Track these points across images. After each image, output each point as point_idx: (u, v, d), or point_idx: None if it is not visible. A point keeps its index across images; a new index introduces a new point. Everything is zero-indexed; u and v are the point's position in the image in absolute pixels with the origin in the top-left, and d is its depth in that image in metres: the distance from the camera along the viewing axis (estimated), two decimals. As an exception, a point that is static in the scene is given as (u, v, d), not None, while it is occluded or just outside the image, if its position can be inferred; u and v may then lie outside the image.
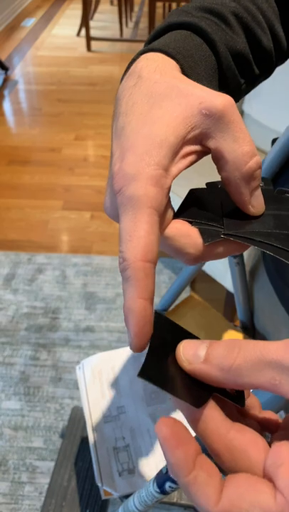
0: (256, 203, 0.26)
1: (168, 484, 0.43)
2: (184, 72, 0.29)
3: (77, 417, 1.10)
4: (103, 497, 0.52)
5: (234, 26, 0.34)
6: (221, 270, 1.38)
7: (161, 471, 0.44)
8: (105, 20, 4.57)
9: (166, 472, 0.43)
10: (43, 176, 2.37)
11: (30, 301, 1.68)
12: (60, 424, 1.31)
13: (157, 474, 0.45)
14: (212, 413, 0.21)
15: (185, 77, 0.27)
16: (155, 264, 0.22)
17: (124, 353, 0.69)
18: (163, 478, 0.43)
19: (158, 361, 0.21)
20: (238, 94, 0.37)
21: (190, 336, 0.24)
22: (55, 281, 1.76)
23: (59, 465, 1.01)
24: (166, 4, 4.46)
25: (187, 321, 0.70)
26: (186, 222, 0.26)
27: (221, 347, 0.20)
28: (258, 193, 0.26)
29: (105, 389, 0.63)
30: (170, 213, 0.25)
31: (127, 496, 0.52)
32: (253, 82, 0.38)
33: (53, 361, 1.47)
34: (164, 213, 0.24)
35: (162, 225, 0.24)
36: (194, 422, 0.21)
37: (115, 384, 0.64)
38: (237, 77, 0.35)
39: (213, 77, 0.32)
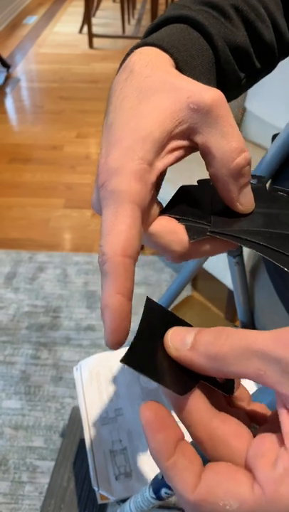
0: (244, 201, 0.25)
1: (164, 490, 0.42)
2: (179, 66, 0.29)
3: (77, 416, 1.09)
4: (99, 501, 0.51)
5: (234, 19, 0.33)
6: (222, 268, 1.37)
7: (156, 476, 0.43)
8: (107, 17, 4.55)
9: (162, 478, 0.42)
10: (45, 174, 2.36)
11: (31, 299, 1.67)
12: (60, 423, 1.31)
13: (153, 480, 0.44)
14: (196, 402, 0.20)
15: (177, 72, 0.26)
16: (135, 259, 0.22)
17: (122, 353, 0.67)
18: (159, 484, 0.43)
19: (144, 347, 0.21)
20: (238, 89, 0.36)
21: (181, 322, 0.23)
22: (56, 280, 1.75)
23: (59, 465, 1.00)
24: (169, 0, 4.43)
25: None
26: (173, 219, 0.25)
27: (209, 334, 0.20)
28: (247, 190, 0.25)
29: (103, 390, 0.62)
30: (156, 209, 0.25)
31: (123, 501, 0.51)
32: (255, 76, 0.37)
33: (53, 360, 1.47)
34: (148, 209, 0.23)
35: (147, 220, 0.24)
36: (178, 410, 0.21)
37: (113, 385, 0.63)
38: (236, 72, 0.34)
39: (210, 72, 0.31)
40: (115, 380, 0.63)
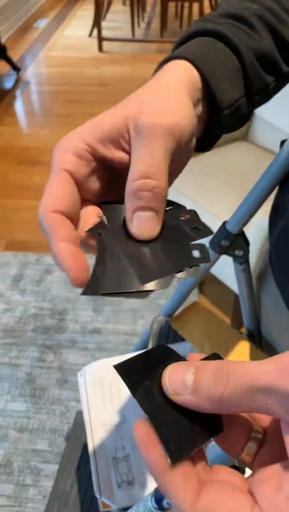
0: (136, 224, 0.26)
1: (166, 501, 0.41)
2: (204, 76, 0.30)
3: (82, 420, 1.09)
4: (101, 509, 0.51)
5: (258, 28, 0.34)
6: (229, 274, 1.36)
7: (158, 487, 0.43)
8: (117, 20, 4.56)
9: (164, 488, 0.42)
10: (53, 176, 2.37)
11: (37, 302, 1.67)
12: (65, 426, 1.31)
13: (155, 490, 0.43)
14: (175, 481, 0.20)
15: (171, 89, 0.28)
16: (67, 214, 0.25)
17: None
18: (161, 494, 0.42)
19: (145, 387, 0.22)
20: (267, 93, 0.36)
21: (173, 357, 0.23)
22: (62, 283, 1.75)
23: (62, 469, 0.99)
24: (179, 4, 4.44)
25: (191, 328, 0.68)
26: (95, 210, 0.28)
27: (209, 376, 0.19)
28: (142, 215, 0.26)
29: (106, 397, 0.61)
30: (96, 185, 0.27)
31: (125, 509, 0.51)
32: (283, 79, 0.38)
33: (59, 363, 1.47)
34: (85, 182, 0.27)
35: (87, 192, 0.27)
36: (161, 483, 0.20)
37: (117, 392, 0.62)
38: (264, 77, 0.35)
39: (236, 79, 0.32)
40: (119, 386, 0.63)
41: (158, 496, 0.43)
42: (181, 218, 0.28)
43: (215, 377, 0.19)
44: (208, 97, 0.31)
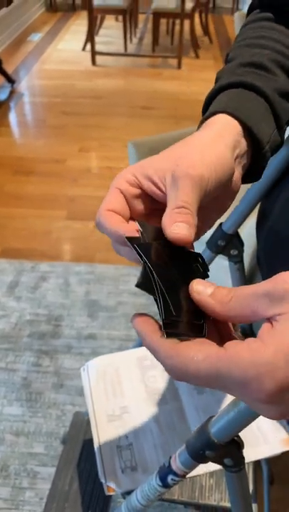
0: (175, 229, 0.30)
1: (170, 477, 0.45)
2: (243, 123, 0.36)
3: (78, 422, 1.11)
4: (107, 493, 0.54)
5: (274, 71, 0.40)
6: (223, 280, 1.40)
7: (164, 464, 0.46)
8: (110, 35, 4.67)
9: (169, 465, 0.45)
10: (47, 186, 2.41)
11: (33, 308, 1.70)
12: (61, 430, 1.32)
13: (160, 468, 0.47)
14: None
15: (210, 143, 0.34)
16: (119, 214, 0.32)
17: (128, 355, 0.71)
18: (165, 471, 0.45)
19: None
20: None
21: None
22: (58, 289, 1.78)
23: (60, 469, 1.02)
24: (170, 21, 4.57)
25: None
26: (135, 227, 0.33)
27: (224, 289, 0.26)
28: (179, 224, 0.30)
29: (109, 390, 0.65)
30: (139, 206, 0.34)
31: (129, 493, 0.54)
32: None
33: (55, 368, 1.49)
34: (131, 201, 0.33)
35: (132, 210, 0.34)
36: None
37: (119, 385, 0.65)
38: (287, 109, 0.41)
39: (268, 118, 0.38)
40: (121, 380, 0.66)
41: (162, 474, 0.46)
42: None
43: (228, 290, 0.26)
44: (250, 138, 0.36)
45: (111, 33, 4.74)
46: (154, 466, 0.55)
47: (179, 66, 3.98)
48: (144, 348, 0.72)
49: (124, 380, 0.66)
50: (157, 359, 0.26)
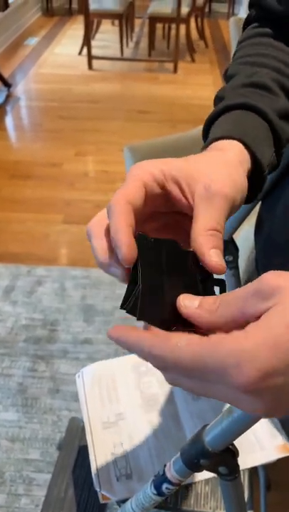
0: (216, 258, 0.29)
1: (165, 486, 0.45)
2: (247, 145, 0.36)
3: (74, 427, 1.11)
4: (101, 501, 0.53)
5: (274, 89, 0.41)
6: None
7: (158, 472, 0.46)
8: (106, 39, 4.68)
9: (164, 474, 0.45)
10: (44, 190, 2.41)
11: (29, 313, 1.69)
12: (57, 436, 1.32)
13: (155, 476, 0.46)
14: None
15: (233, 166, 0.34)
16: (134, 206, 0.29)
17: (123, 362, 0.70)
18: (160, 479, 0.45)
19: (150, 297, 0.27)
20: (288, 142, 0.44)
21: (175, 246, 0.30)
22: (54, 294, 1.77)
23: (56, 476, 1.01)
24: (166, 25, 4.59)
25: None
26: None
27: (210, 299, 0.26)
28: (217, 252, 0.30)
29: (104, 396, 0.64)
30: (156, 203, 0.32)
31: (124, 501, 0.54)
32: None
33: (51, 373, 1.48)
34: (150, 196, 0.31)
35: (149, 206, 0.31)
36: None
37: (114, 391, 0.65)
38: (287, 131, 0.41)
39: (269, 141, 0.39)
40: (116, 386, 0.66)
41: (157, 482, 0.46)
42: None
43: (214, 298, 0.26)
44: (253, 161, 0.37)
45: (107, 37, 4.75)
46: (149, 473, 0.55)
47: (175, 70, 4.00)
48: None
49: (119, 386, 0.66)
50: (140, 353, 0.25)
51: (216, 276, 0.31)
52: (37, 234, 2.09)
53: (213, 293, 0.30)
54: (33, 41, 4.64)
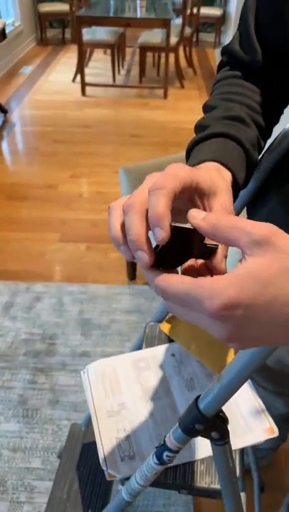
0: None
1: (165, 454, 0.51)
2: (228, 167, 0.46)
3: (75, 433, 1.15)
4: (108, 479, 0.59)
5: (248, 122, 0.51)
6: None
7: (159, 443, 0.52)
8: (99, 67, 4.87)
9: (164, 444, 0.51)
10: (40, 210, 2.49)
11: (28, 327, 1.75)
12: (57, 444, 1.36)
13: (156, 448, 0.53)
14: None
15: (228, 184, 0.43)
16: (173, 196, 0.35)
17: (124, 359, 0.77)
18: (161, 449, 0.52)
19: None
20: (257, 164, 0.54)
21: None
22: (52, 309, 1.83)
23: (58, 479, 1.05)
24: (156, 54, 4.79)
25: (178, 331, 0.79)
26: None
27: (216, 213, 0.33)
28: None
29: (108, 389, 0.71)
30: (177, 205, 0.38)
31: (127, 479, 0.59)
32: (260, 151, 0.56)
33: (50, 385, 1.53)
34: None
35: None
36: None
37: (117, 385, 0.72)
38: (257, 157, 0.52)
39: (243, 163, 0.49)
40: (118, 380, 0.72)
41: (158, 452, 0.52)
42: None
43: (217, 216, 0.31)
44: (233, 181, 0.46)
45: (100, 65, 4.95)
46: (150, 454, 0.61)
47: (165, 96, 4.17)
48: (138, 352, 0.78)
49: (121, 380, 0.72)
50: (152, 284, 0.32)
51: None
52: (34, 252, 2.16)
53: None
54: (27, 69, 4.81)
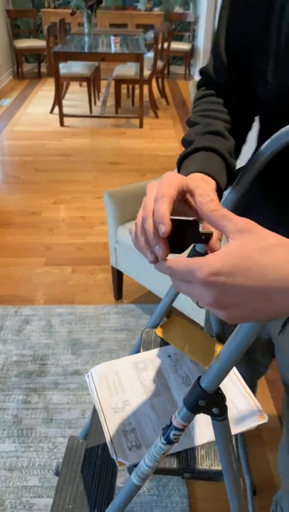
0: None
1: (172, 433, 0.58)
2: (212, 177, 0.56)
3: (74, 445, 1.19)
4: (118, 466, 0.65)
5: (227, 136, 0.63)
6: (193, 308, 1.55)
7: (166, 425, 0.59)
8: (76, 99, 5.05)
9: (170, 424, 0.58)
10: (25, 236, 2.55)
11: (18, 349, 1.78)
12: (54, 462, 1.38)
13: (163, 429, 0.59)
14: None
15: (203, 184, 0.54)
16: (172, 201, 0.44)
17: (124, 361, 0.83)
18: (168, 429, 0.58)
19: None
20: (235, 174, 0.64)
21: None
22: (41, 331, 1.87)
23: (60, 489, 1.09)
24: (130, 86, 5.01)
25: (172, 335, 0.86)
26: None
27: (214, 203, 0.41)
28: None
29: (111, 388, 0.77)
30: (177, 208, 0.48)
31: (135, 465, 0.65)
32: (237, 155, 0.67)
33: (43, 404, 1.56)
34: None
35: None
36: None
37: (119, 385, 0.78)
38: (234, 162, 0.63)
39: (224, 172, 0.60)
40: (121, 380, 0.79)
41: (166, 432, 0.58)
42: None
43: (215, 205, 0.41)
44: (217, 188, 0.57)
45: (76, 97, 5.12)
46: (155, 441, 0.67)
47: (141, 125, 4.35)
48: (137, 355, 0.85)
49: (123, 380, 0.78)
50: (166, 266, 0.40)
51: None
52: (20, 277, 2.20)
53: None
54: (6, 102, 4.93)
